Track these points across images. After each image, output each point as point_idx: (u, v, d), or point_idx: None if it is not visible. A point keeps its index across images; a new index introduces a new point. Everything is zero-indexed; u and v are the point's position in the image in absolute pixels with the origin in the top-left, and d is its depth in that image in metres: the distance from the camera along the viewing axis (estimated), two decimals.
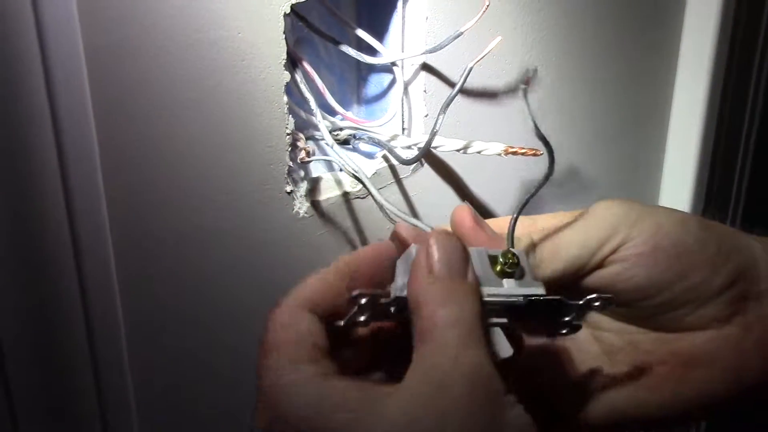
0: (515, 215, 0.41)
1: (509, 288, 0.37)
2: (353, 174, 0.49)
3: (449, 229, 0.41)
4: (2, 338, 0.41)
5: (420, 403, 0.30)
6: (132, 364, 0.45)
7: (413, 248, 0.36)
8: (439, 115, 0.49)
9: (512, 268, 0.38)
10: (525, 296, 0.37)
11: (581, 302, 0.38)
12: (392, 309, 0.36)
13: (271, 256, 0.50)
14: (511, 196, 0.62)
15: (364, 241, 0.54)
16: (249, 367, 0.52)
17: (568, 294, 0.38)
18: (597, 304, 0.38)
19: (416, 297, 0.34)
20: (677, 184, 0.72)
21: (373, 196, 0.48)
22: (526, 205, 0.41)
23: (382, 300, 0.35)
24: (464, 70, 0.49)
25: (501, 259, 0.38)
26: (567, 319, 0.39)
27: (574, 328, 0.39)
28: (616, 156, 0.69)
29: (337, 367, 0.33)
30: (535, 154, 0.48)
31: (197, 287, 0.48)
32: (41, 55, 0.38)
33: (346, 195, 0.52)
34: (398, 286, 0.37)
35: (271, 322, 0.34)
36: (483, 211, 0.60)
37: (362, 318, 0.35)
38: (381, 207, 0.48)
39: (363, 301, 0.35)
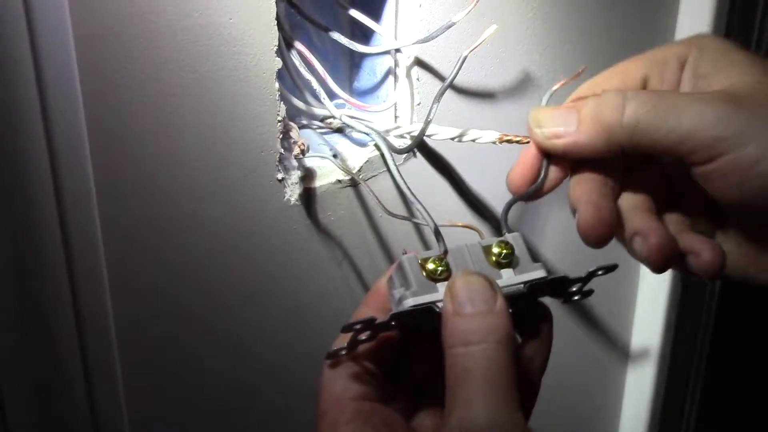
0: (506, 207, 0.42)
1: (508, 278, 0.37)
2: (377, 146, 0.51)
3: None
4: None
5: None
6: (121, 352, 0.45)
7: (404, 258, 0.37)
8: (433, 104, 0.48)
9: (507, 258, 0.38)
10: (525, 283, 0.37)
11: (584, 275, 0.39)
12: (393, 323, 0.36)
13: (262, 243, 0.50)
14: (503, 186, 0.61)
15: (355, 229, 0.54)
16: (240, 357, 0.52)
17: None
18: (601, 273, 0.39)
19: (442, 343, 0.34)
20: None
21: (390, 171, 0.49)
22: (513, 204, 0.43)
23: (378, 321, 0.35)
24: (458, 59, 0.49)
25: (495, 250, 0.38)
26: (575, 289, 0.40)
27: (586, 294, 0.40)
28: None
29: (386, 408, 0.37)
30: (529, 142, 0.48)
31: (187, 275, 0.47)
32: (30, 44, 0.37)
33: (338, 183, 0.52)
34: (395, 300, 0.37)
35: (320, 387, 0.37)
36: (476, 201, 0.60)
37: (363, 337, 0.36)
38: (397, 184, 0.48)
39: (358, 327, 0.35)
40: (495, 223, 0.61)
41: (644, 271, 0.81)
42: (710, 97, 0.37)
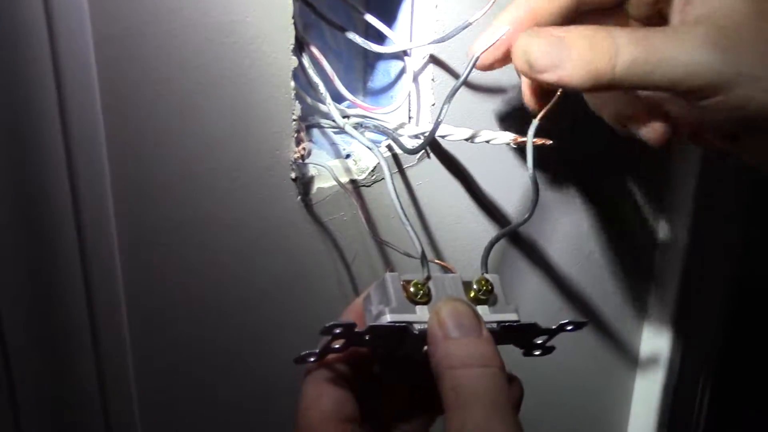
0: (490, 244, 0.42)
1: (483, 315, 0.38)
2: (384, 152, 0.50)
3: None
4: (4, 325, 0.40)
5: None
6: (134, 351, 0.45)
7: (388, 276, 0.38)
8: (444, 105, 0.48)
9: (486, 294, 0.39)
10: (499, 323, 0.38)
11: (554, 327, 0.40)
12: (367, 337, 0.37)
13: (274, 243, 0.50)
14: (516, 188, 0.61)
15: (367, 230, 0.54)
16: (252, 355, 0.51)
17: None
18: (570, 328, 0.40)
19: (436, 364, 0.34)
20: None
21: (386, 179, 0.47)
22: (500, 239, 0.43)
23: (357, 330, 0.36)
24: (471, 59, 0.49)
25: (475, 286, 0.39)
26: (540, 342, 0.41)
27: (548, 350, 0.41)
28: (621, 154, 0.68)
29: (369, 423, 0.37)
30: (544, 144, 0.48)
31: (200, 274, 0.47)
32: (50, 45, 0.37)
33: (352, 183, 0.52)
34: (373, 315, 0.38)
35: (301, 399, 0.37)
36: (488, 204, 0.60)
37: (336, 346, 0.37)
38: (394, 192, 0.47)
39: (337, 331, 0.36)
40: (503, 225, 0.61)
41: (656, 275, 0.80)
42: (698, 40, 0.37)
